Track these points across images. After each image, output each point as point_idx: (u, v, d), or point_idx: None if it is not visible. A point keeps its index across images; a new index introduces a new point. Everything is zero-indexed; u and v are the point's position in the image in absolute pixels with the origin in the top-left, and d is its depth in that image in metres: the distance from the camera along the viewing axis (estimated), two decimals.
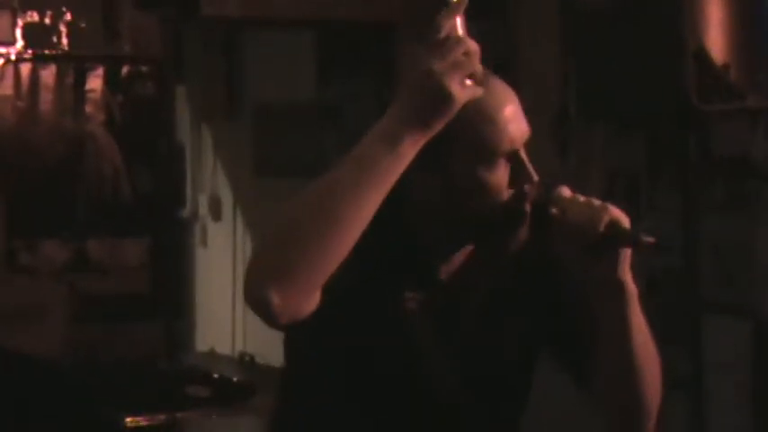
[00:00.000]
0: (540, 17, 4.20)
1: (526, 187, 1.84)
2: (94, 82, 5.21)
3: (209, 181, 5.65)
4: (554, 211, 1.81)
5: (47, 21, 5.13)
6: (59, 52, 5.14)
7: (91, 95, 5.22)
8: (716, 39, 3.56)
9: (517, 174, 1.84)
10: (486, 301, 1.96)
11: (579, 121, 4.06)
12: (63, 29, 5.15)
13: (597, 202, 1.81)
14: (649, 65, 3.55)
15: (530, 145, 1.86)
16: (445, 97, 1.70)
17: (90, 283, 5.21)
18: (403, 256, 1.88)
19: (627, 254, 1.83)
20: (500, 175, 1.83)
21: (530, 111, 1.87)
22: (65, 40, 5.16)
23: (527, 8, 4.21)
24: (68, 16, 5.15)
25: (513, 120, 1.84)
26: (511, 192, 1.84)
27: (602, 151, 4.03)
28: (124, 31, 5.22)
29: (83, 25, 5.16)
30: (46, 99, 5.14)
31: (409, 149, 1.71)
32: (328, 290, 1.73)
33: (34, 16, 5.12)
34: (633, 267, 1.90)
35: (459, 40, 1.72)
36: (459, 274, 1.94)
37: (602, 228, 1.78)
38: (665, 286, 3.84)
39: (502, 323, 1.97)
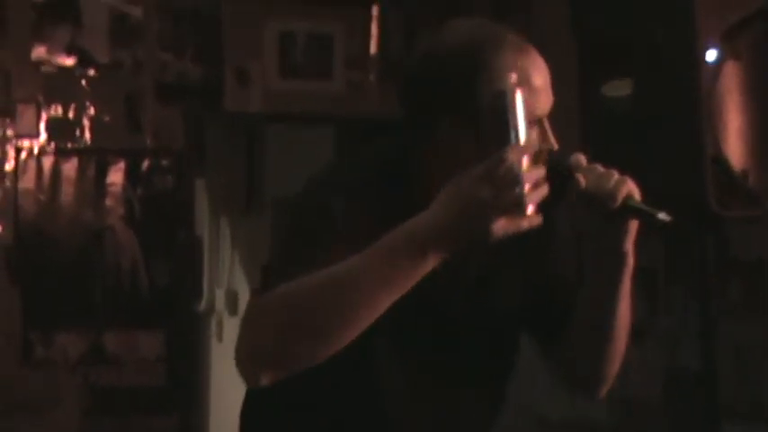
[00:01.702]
0: (560, 118, 4.23)
1: (542, 151, 1.82)
2: (115, 175, 5.25)
3: (227, 275, 5.64)
4: (579, 176, 1.80)
5: (70, 114, 5.18)
6: (82, 146, 5.19)
7: (111, 188, 5.25)
8: (735, 145, 3.58)
9: (540, 141, 1.85)
10: (486, 263, 1.97)
11: None
12: (86, 122, 5.20)
13: (616, 174, 1.82)
14: (668, 169, 3.57)
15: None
16: (482, 233, 1.67)
17: (105, 375, 5.20)
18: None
19: (634, 227, 1.85)
20: (528, 140, 1.81)
21: None
22: (87, 134, 5.20)
23: None
24: (92, 110, 5.20)
25: (546, 88, 1.87)
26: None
27: None
28: (146, 124, 5.27)
29: (106, 119, 5.21)
30: (67, 192, 5.17)
31: (433, 261, 1.70)
32: None
33: (58, 110, 5.17)
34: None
35: (517, 179, 1.66)
36: None
37: (620, 200, 1.79)
38: (682, 390, 3.81)
39: (500, 284, 2.00)
